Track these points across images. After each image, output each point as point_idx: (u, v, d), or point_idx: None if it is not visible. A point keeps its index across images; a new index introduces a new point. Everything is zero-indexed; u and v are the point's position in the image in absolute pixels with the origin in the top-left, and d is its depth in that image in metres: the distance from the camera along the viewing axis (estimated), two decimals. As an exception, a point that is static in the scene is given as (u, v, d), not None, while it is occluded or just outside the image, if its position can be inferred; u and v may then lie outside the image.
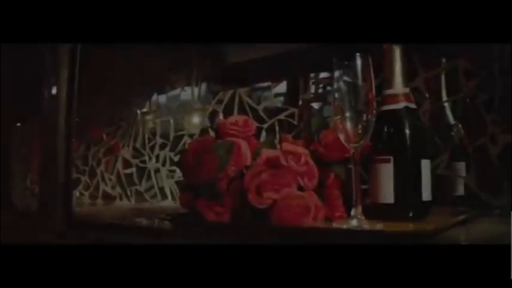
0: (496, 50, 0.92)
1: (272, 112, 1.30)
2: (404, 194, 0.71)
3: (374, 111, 0.67)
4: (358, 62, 0.66)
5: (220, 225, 0.75)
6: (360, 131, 0.67)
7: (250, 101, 1.36)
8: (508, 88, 0.90)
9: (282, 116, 1.28)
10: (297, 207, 0.69)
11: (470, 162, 0.95)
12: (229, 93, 1.41)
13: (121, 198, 1.70)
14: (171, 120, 1.57)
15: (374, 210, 0.70)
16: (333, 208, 0.75)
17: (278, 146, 0.79)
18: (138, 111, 1.69)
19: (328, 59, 0.70)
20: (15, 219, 1.25)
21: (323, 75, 1.23)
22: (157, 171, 1.58)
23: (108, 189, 1.76)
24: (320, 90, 1.23)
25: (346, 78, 0.67)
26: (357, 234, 0.63)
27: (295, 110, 1.25)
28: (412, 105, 0.74)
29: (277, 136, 1.23)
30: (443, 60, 1.01)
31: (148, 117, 1.66)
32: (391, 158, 0.71)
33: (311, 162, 0.74)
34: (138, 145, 1.66)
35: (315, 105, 1.23)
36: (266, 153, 0.74)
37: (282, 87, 1.32)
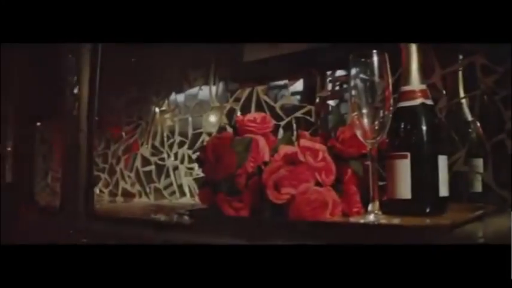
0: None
1: (289, 110, 1.31)
2: (422, 190, 0.71)
3: (391, 108, 0.68)
4: (375, 59, 0.67)
5: (239, 220, 0.76)
6: (376, 128, 0.67)
7: (267, 99, 1.37)
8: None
9: (299, 114, 1.29)
10: (315, 203, 0.70)
11: (488, 158, 0.95)
12: (247, 91, 1.42)
13: (140, 196, 1.72)
14: (189, 119, 1.59)
15: (391, 206, 0.71)
16: (350, 204, 0.75)
17: (296, 143, 0.80)
18: (157, 110, 1.71)
19: (344, 57, 0.71)
20: (37, 217, 1.28)
21: (339, 73, 1.23)
22: (175, 168, 1.60)
23: (128, 187, 1.78)
24: (337, 88, 1.24)
25: (362, 75, 0.68)
26: (374, 228, 0.63)
27: (312, 108, 1.26)
28: (429, 102, 0.74)
29: (295, 133, 1.24)
30: (460, 56, 1.01)
31: (167, 115, 1.68)
32: (408, 154, 0.71)
33: (328, 158, 0.75)
34: (156, 143, 1.68)
35: (332, 103, 1.23)
36: (284, 149, 0.75)
37: (299, 85, 1.32)
